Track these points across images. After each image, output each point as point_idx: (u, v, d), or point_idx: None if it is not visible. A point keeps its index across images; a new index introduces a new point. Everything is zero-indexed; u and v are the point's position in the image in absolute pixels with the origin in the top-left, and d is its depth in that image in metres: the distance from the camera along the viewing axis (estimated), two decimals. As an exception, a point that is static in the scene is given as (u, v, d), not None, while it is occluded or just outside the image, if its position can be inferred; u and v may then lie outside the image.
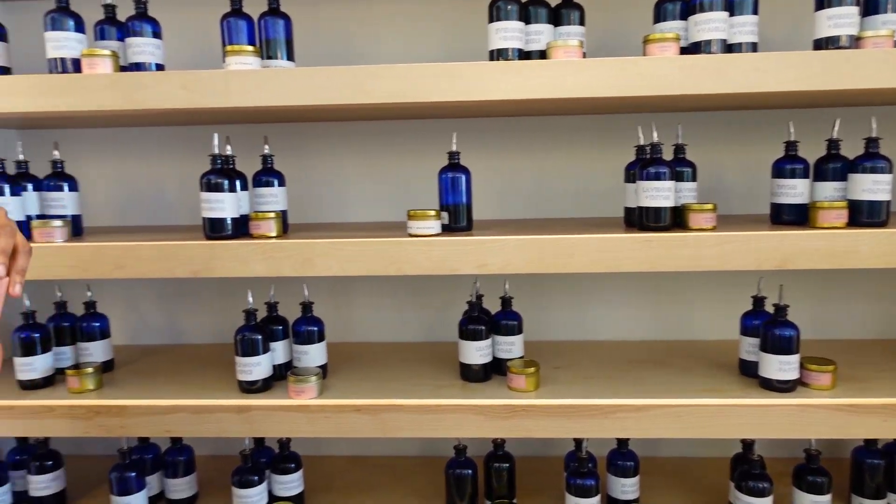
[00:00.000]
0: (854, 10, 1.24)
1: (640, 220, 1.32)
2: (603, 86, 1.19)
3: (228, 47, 1.32)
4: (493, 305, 1.52)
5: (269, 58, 1.40)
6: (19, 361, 1.48)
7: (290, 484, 1.55)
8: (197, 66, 1.31)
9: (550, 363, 1.54)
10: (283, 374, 1.48)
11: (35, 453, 1.57)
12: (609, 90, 1.19)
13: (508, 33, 1.29)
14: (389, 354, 1.68)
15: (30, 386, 1.48)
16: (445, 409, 1.33)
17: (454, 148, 1.42)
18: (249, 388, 1.42)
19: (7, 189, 1.43)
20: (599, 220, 1.59)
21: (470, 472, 1.51)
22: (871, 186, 1.26)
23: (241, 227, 1.41)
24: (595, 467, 1.48)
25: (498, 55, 1.31)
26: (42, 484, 1.57)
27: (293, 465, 1.55)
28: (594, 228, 1.37)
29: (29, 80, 1.30)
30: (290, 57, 1.42)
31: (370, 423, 1.35)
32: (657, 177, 1.29)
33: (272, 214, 1.38)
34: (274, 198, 1.46)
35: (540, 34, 1.33)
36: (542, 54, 1.32)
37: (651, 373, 1.47)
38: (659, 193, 1.29)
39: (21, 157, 1.52)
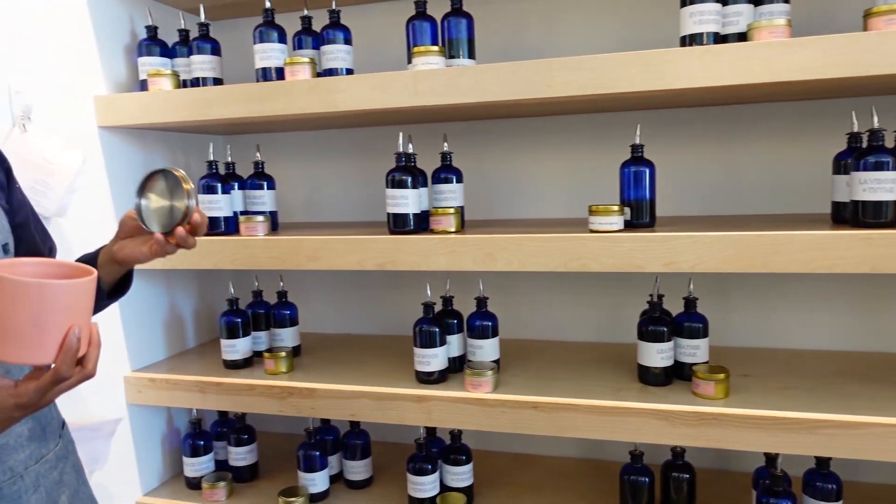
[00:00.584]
0: None
1: (856, 215, 1.19)
2: (819, 66, 1.08)
3: (415, 48, 1.37)
4: (671, 306, 1.44)
5: (452, 57, 1.43)
6: (224, 343, 1.63)
7: (461, 475, 1.57)
8: (382, 70, 1.36)
9: (738, 370, 1.43)
10: (457, 366, 1.51)
11: (234, 427, 1.73)
12: (827, 71, 1.07)
13: (704, 16, 1.22)
14: (562, 353, 1.65)
15: (232, 366, 1.64)
16: (626, 411, 1.29)
17: (637, 140, 1.36)
18: (426, 378, 1.46)
19: (219, 188, 1.58)
20: (802, 216, 1.46)
21: (647, 479, 1.45)
22: None
23: (422, 223, 1.45)
24: (790, 486, 1.36)
25: (691, 41, 1.24)
26: (240, 455, 1.72)
27: (464, 458, 1.58)
28: (798, 224, 1.26)
29: (241, 88, 1.43)
30: (471, 55, 1.44)
31: (546, 420, 1.34)
32: (878, 167, 1.15)
33: (451, 210, 1.41)
34: (452, 194, 1.49)
35: (739, 15, 1.24)
36: (742, 37, 1.23)
37: (860, 387, 1.32)
38: (881, 185, 1.15)
39: (229, 159, 1.68)
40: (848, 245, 1.12)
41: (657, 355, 1.37)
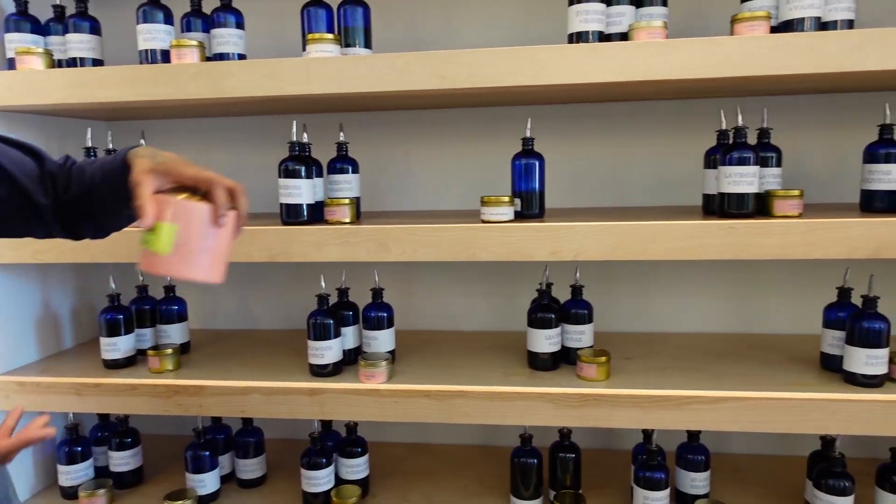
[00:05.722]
0: (957, -13, 1.18)
1: (722, 206, 1.29)
2: (691, 67, 1.17)
3: (309, 36, 1.35)
4: (561, 294, 1.50)
5: (348, 45, 1.42)
6: (104, 341, 1.54)
7: (356, 468, 1.57)
8: (276, 56, 1.34)
9: (621, 354, 1.52)
10: (352, 359, 1.50)
11: (116, 430, 1.64)
12: (696, 72, 1.16)
13: (589, 16, 1.28)
14: (457, 342, 1.68)
15: (113, 366, 1.55)
16: (514, 395, 1.33)
17: (528, 134, 1.41)
18: (321, 371, 1.44)
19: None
20: (677, 208, 1.56)
21: (535, 461, 1.50)
22: (973, 172, 1.20)
23: (317, 214, 1.43)
24: (664, 460, 1.45)
25: (578, 38, 1.30)
26: (122, 460, 1.63)
27: (360, 450, 1.57)
28: (673, 215, 1.35)
29: (121, 71, 1.35)
30: (367, 44, 1.44)
31: (438, 408, 1.36)
32: (741, 161, 1.26)
33: (346, 201, 1.40)
34: (348, 184, 1.48)
35: (622, 16, 1.31)
36: (624, 36, 1.30)
37: (727, 366, 1.43)
38: (743, 179, 1.25)
39: (111, 146, 1.59)
40: (714, 234, 1.21)
41: (545, 341, 1.42)
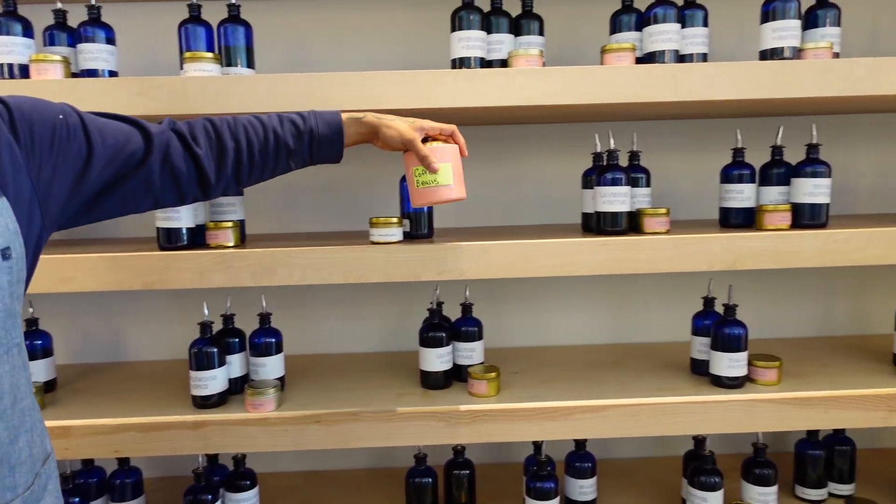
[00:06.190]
0: (796, 24, 1.33)
1: (598, 224, 1.36)
2: (563, 93, 1.23)
3: (187, 54, 1.30)
4: (453, 313, 1.53)
5: (229, 65, 1.38)
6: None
7: (245, 502, 1.50)
8: (154, 75, 1.28)
9: (510, 368, 1.56)
10: (239, 388, 1.44)
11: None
12: (569, 98, 1.23)
13: (471, 42, 1.32)
14: (349, 365, 1.66)
15: (-36, 408, 1.39)
16: (406, 416, 1.33)
17: (414, 156, 1.42)
18: (204, 403, 1.37)
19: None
20: (558, 226, 1.63)
21: (430, 480, 1.51)
22: (811, 190, 1.34)
23: (198, 237, 1.37)
24: (554, 470, 1.50)
25: (460, 63, 1.34)
26: (-24, 513, 1.47)
27: (248, 483, 1.51)
28: (553, 233, 1.40)
29: (-30, 83, 1.24)
30: (250, 64, 1.40)
31: (330, 434, 1.33)
32: (614, 182, 1.34)
33: (230, 224, 1.35)
34: (232, 207, 1.43)
35: (501, 43, 1.36)
36: (504, 63, 1.35)
37: (608, 375, 1.51)
38: (616, 198, 1.33)
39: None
40: (590, 251, 1.28)
41: (437, 360, 1.44)
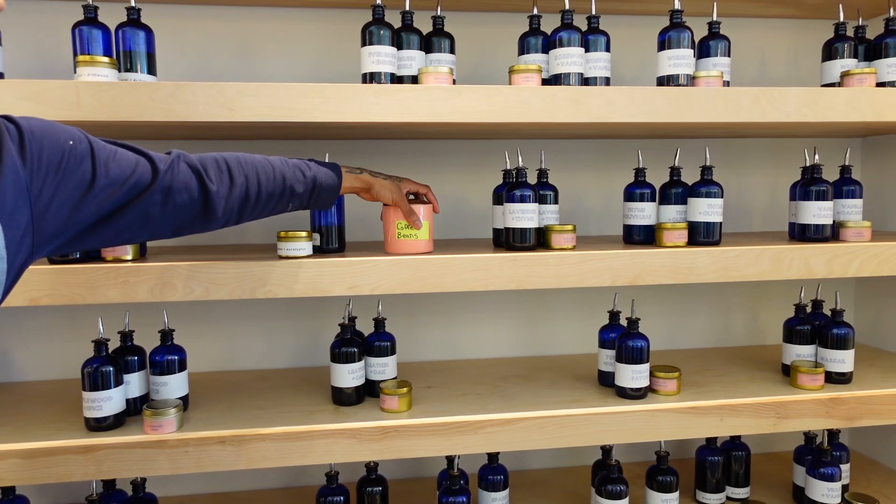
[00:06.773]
0: (690, 52, 1.40)
1: (508, 240, 1.38)
2: (471, 111, 1.25)
3: (80, 57, 1.23)
4: (366, 328, 1.51)
5: (128, 70, 1.32)
6: None
7: (145, 528, 1.43)
8: (42, 78, 1.20)
9: (423, 383, 1.56)
10: (138, 408, 1.37)
11: None
12: (477, 116, 1.25)
13: (381, 57, 1.32)
14: (259, 382, 1.61)
15: None
16: (315, 434, 1.30)
17: (326, 169, 1.40)
18: (98, 425, 1.30)
19: None
20: (469, 241, 1.64)
21: (342, 498, 1.48)
22: (706, 209, 1.42)
23: (94, 251, 1.30)
24: (466, 484, 1.51)
25: (371, 78, 1.33)
26: None
27: (149, 508, 1.44)
28: (464, 249, 1.42)
29: None
30: (151, 71, 1.35)
31: (235, 454, 1.28)
32: (522, 199, 1.36)
33: (128, 236, 1.29)
34: (130, 218, 1.36)
35: (412, 59, 1.37)
36: (415, 79, 1.36)
37: (518, 388, 1.53)
38: (524, 215, 1.36)
39: None
40: (499, 266, 1.30)
41: (348, 375, 1.41)
